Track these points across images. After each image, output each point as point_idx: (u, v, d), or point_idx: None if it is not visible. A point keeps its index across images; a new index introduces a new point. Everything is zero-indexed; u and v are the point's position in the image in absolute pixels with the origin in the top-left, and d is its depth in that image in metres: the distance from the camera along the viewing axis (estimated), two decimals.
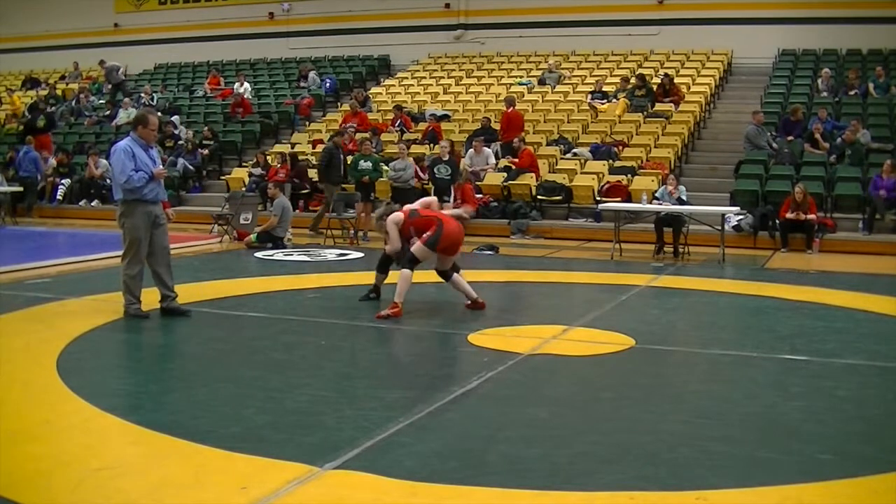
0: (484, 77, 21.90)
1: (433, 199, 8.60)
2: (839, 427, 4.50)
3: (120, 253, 7.33)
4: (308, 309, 8.08)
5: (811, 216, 13.05)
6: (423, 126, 18.49)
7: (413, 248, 7.41)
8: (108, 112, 22.57)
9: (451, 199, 13.75)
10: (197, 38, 25.92)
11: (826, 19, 20.12)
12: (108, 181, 18.67)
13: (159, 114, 20.89)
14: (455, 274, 7.67)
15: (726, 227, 12.53)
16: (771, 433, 4.37)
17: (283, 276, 10.09)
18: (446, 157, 13.78)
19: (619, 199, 14.26)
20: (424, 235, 7.43)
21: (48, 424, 4.36)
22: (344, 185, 14.82)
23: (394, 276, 7.66)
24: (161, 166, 7.34)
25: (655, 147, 16.60)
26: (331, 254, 12.11)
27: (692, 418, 4.59)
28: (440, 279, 8.07)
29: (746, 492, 3.54)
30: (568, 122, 18.24)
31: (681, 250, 12.27)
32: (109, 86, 23.61)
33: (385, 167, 15.30)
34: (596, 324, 7.15)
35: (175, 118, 20.87)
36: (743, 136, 16.27)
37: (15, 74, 27.36)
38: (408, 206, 7.85)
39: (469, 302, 7.70)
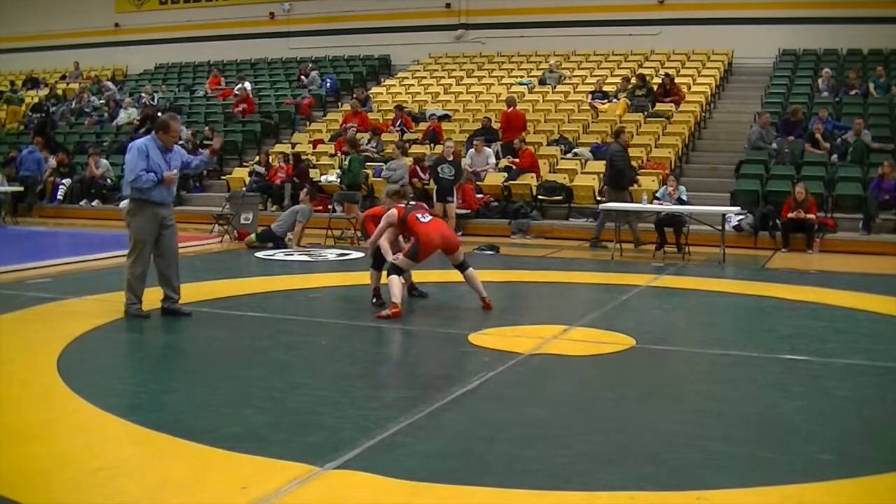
0: (484, 77, 21.91)
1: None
2: (839, 427, 4.50)
3: (123, 252, 7.33)
4: (308, 309, 8.09)
5: (811, 216, 13.06)
6: (423, 126, 18.50)
7: (397, 262, 7.42)
8: (107, 111, 22.61)
9: (455, 199, 13.75)
10: (197, 38, 25.92)
11: (827, 19, 20.11)
12: (108, 181, 18.70)
13: (160, 113, 21.00)
14: (470, 269, 7.67)
15: (727, 227, 12.52)
16: (771, 433, 4.37)
17: (283, 276, 10.09)
18: (450, 158, 13.73)
19: None
20: (405, 248, 7.48)
21: (49, 424, 4.36)
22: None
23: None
24: (176, 171, 7.24)
25: (656, 147, 16.60)
26: (331, 254, 12.11)
27: (692, 418, 4.59)
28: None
29: (747, 492, 3.53)
30: (568, 122, 18.24)
31: (683, 248, 12.28)
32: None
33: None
34: (596, 324, 7.15)
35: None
36: (746, 137, 16.29)
37: (15, 74, 27.37)
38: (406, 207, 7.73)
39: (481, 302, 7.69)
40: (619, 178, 13.32)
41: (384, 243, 7.60)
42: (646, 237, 12.98)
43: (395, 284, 7.29)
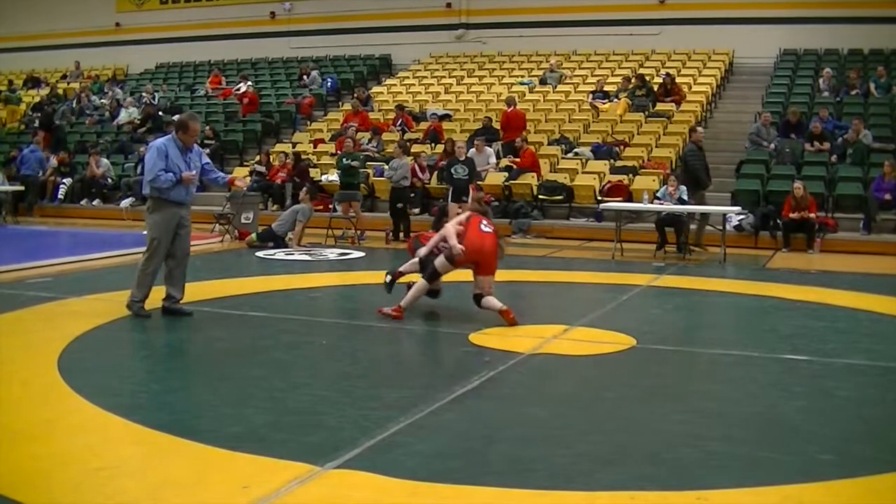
0: (485, 77, 21.91)
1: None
2: (840, 427, 4.50)
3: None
4: (309, 308, 8.09)
5: (811, 214, 13.06)
6: (424, 125, 18.50)
7: (436, 262, 7.27)
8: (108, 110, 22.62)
9: (470, 199, 13.69)
10: (198, 38, 25.94)
11: (828, 19, 20.11)
12: (109, 180, 18.70)
13: (161, 113, 21.02)
14: (484, 299, 7.16)
15: (727, 226, 12.53)
16: (772, 433, 4.37)
17: (284, 276, 10.10)
18: (463, 157, 13.65)
19: (620, 198, 14.26)
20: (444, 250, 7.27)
21: (49, 424, 4.36)
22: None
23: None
24: (194, 171, 7.20)
25: (657, 147, 16.60)
26: (332, 253, 12.11)
27: (693, 418, 4.59)
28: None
29: (747, 491, 3.54)
30: (569, 122, 18.24)
31: (684, 248, 12.29)
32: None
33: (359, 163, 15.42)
34: (597, 323, 7.14)
35: (176, 118, 20.84)
36: (747, 135, 16.30)
37: (16, 74, 27.39)
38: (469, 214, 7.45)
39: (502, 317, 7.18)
40: (694, 179, 12.86)
41: (451, 228, 7.25)
42: (646, 237, 12.97)
43: (416, 290, 7.22)
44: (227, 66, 25.25)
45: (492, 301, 7.14)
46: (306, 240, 13.00)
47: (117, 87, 24.63)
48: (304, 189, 13.88)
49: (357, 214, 14.03)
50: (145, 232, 7.29)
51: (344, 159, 14.31)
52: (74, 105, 23.37)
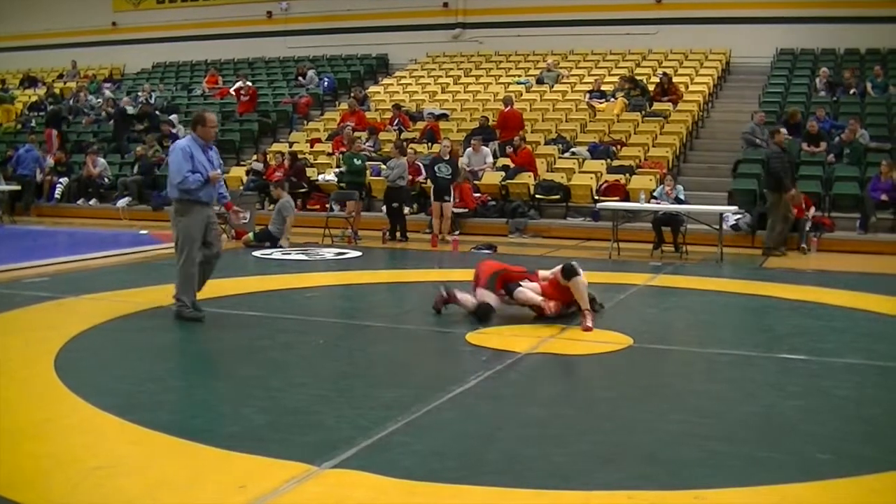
0: (482, 76, 21.91)
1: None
2: (838, 427, 4.50)
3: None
4: (306, 308, 8.08)
5: (809, 212, 13.06)
6: (421, 125, 18.49)
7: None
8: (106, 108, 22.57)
9: (452, 199, 13.72)
10: (195, 37, 25.91)
11: (824, 19, 20.14)
12: (105, 180, 18.68)
13: (158, 112, 20.98)
14: (518, 289, 7.34)
15: (724, 226, 12.53)
16: (769, 433, 4.37)
17: (280, 276, 10.08)
18: (447, 157, 13.70)
19: (617, 198, 14.27)
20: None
21: (46, 423, 4.35)
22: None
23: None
24: (218, 169, 7.13)
25: (654, 146, 16.60)
26: (329, 253, 12.10)
27: (690, 417, 4.59)
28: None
29: (745, 491, 3.54)
30: (566, 122, 18.23)
31: (681, 248, 12.30)
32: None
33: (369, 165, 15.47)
34: (594, 323, 7.13)
35: (173, 117, 20.85)
36: (741, 135, 16.32)
37: (13, 73, 27.34)
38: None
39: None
40: (777, 182, 12.47)
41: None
42: (643, 236, 12.97)
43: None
44: (224, 65, 25.22)
45: (527, 293, 7.24)
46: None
47: (109, 85, 24.56)
48: (272, 185, 13.75)
49: (357, 214, 14.02)
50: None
51: (355, 160, 14.27)
52: (71, 104, 23.32)
